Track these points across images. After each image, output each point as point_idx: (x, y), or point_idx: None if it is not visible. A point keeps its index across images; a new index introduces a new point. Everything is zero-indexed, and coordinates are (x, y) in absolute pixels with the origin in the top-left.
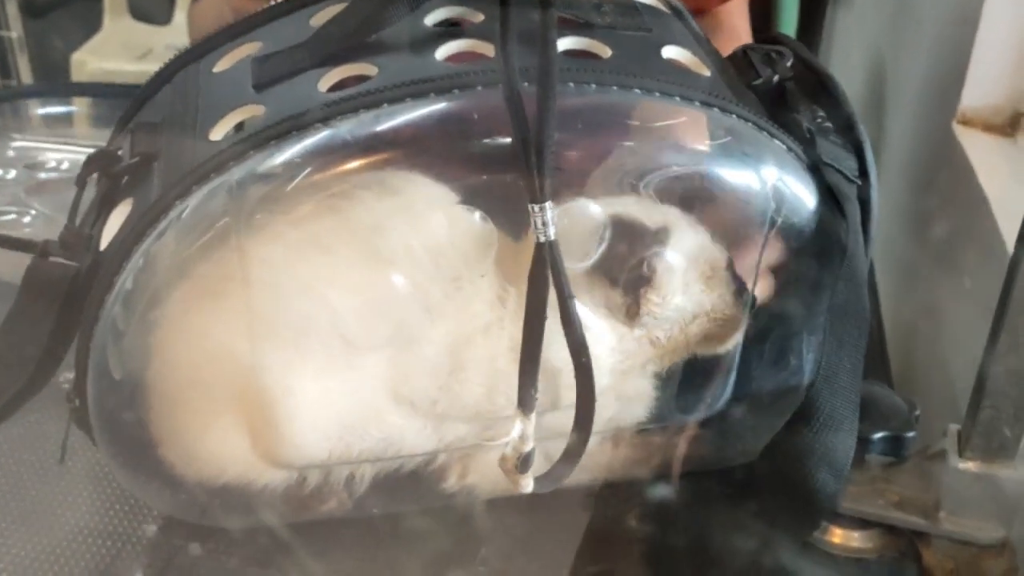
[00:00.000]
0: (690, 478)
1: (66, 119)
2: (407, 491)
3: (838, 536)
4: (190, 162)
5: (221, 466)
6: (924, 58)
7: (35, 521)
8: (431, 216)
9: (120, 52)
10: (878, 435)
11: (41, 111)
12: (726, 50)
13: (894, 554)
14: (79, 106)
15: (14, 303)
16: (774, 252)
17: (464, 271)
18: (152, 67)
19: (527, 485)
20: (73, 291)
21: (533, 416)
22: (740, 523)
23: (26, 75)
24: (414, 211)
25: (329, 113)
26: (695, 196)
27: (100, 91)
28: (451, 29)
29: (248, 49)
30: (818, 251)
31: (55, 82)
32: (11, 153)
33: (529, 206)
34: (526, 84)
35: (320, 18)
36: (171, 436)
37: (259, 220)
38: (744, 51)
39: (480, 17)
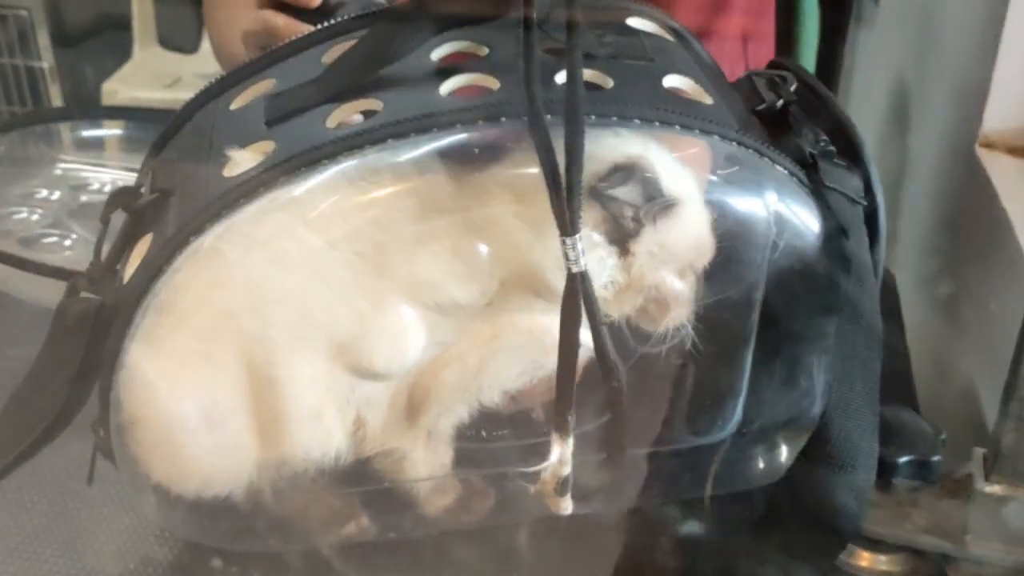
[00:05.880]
0: (716, 503)
1: (99, 143)
2: (433, 516)
3: (866, 560)
4: (204, 198)
5: (240, 494)
6: (946, 82)
7: (78, 547)
8: (438, 246)
9: (150, 80)
10: (904, 459)
11: (75, 135)
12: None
13: None
14: (111, 130)
15: (46, 339)
16: (778, 275)
17: (470, 299)
18: (181, 95)
19: (567, 507)
20: (98, 326)
21: (570, 440)
22: (769, 549)
23: (58, 104)
24: (422, 242)
25: (336, 150)
26: None
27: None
28: (456, 64)
29: (263, 87)
30: (823, 273)
31: (98, 106)
32: (58, 172)
33: (560, 239)
34: (549, 116)
35: (332, 55)
36: (188, 467)
37: (272, 253)
38: (749, 77)
39: (485, 51)
